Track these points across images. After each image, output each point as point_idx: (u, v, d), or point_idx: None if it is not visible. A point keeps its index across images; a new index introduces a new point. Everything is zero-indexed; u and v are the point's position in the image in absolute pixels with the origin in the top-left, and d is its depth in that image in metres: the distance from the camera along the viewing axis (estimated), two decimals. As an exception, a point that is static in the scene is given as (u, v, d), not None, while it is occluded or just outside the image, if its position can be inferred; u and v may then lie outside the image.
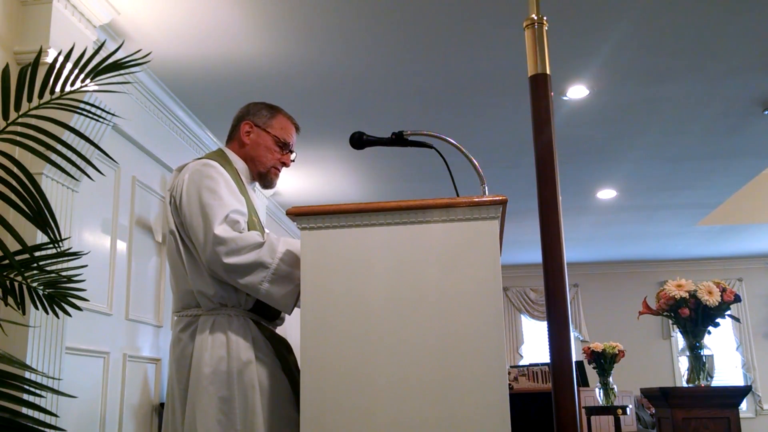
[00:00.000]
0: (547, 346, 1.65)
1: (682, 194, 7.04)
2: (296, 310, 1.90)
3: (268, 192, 6.25)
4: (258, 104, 2.29)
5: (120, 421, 3.73)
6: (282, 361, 2.01)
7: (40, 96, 1.91)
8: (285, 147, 2.24)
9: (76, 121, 2.80)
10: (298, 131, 2.31)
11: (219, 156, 2.18)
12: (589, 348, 5.34)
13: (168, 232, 2.06)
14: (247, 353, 1.94)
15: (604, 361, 5.24)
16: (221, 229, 1.88)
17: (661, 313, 3.22)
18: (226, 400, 1.89)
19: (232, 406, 1.88)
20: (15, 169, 1.76)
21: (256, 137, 2.21)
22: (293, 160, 2.31)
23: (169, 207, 2.06)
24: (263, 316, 2.06)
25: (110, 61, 1.99)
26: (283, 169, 2.31)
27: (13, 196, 1.76)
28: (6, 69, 1.92)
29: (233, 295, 1.97)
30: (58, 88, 1.94)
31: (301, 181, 6.22)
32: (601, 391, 5.21)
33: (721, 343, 10.06)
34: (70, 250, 2.21)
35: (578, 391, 5.61)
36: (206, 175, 2.00)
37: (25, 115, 1.86)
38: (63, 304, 2.18)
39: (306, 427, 1.62)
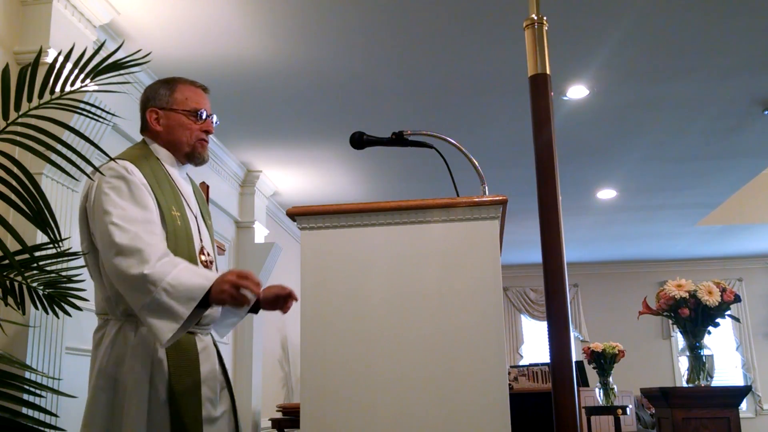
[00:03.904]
0: (547, 346, 1.65)
1: (682, 194, 7.04)
2: (296, 310, 1.88)
3: (268, 192, 6.25)
4: (153, 86, 2.12)
5: (120, 421, 3.72)
6: (172, 384, 1.89)
7: (40, 96, 1.91)
8: (199, 116, 2.09)
9: (76, 121, 2.80)
10: (207, 92, 2.17)
11: (141, 149, 2.08)
12: (589, 348, 5.34)
13: (85, 239, 1.99)
14: (141, 371, 1.87)
15: (604, 361, 5.24)
16: (118, 236, 1.80)
17: (661, 313, 3.22)
18: (106, 412, 1.86)
19: (118, 421, 1.85)
20: (15, 169, 1.76)
21: (166, 120, 2.07)
22: (216, 123, 2.17)
23: (81, 213, 1.97)
24: None
25: (110, 61, 1.99)
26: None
27: (13, 196, 1.76)
28: (6, 69, 1.92)
29: None
30: (58, 88, 1.94)
31: (300, 181, 6.22)
32: (601, 391, 5.21)
33: (721, 343, 10.06)
34: (70, 250, 2.21)
35: (578, 391, 5.61)
36: (107, 181, 1.90)
37: (25, 115, 1.86)
38: (63, 303, 2.18)
39: (306, 426, 1.62)
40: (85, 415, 1.90)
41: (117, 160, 1.95)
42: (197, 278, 1.78)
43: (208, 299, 1.78)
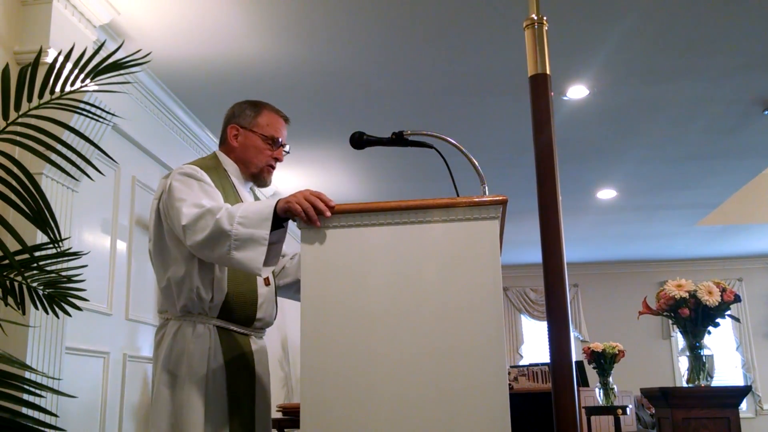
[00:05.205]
0: (547, 346, 1.65)
1: (682, 194, 7.04)
2: (297, 312, 1.90)
3: (268, 192, 6.25)
4: (242, 104, 2.26)
5: (120, 421, 3.73)
6: (230, 379, 2.01)
7: (40, 96, 1.91)
8: (275, 143, 2.21)
9: (76, 121, 2.80)
10: (287, 122, 2.28)
11: (211, 160, 2.20)
12: (589, 348, 5.34)
13: (153, 237, 2.09)
14: (199, 368, 1.96)
15: (604, 361, 5.24)
16: (186, 218, 1.88)
17: (661, 313, 3.22)
18: (169, 407, 1.96)
19: (180, 415, 1.94)
20: (15, 169, 1.76)
21: (244, 139, 2.20)
22: (287, 152, 2.28)
23: (154, 213, 2.09)
24: (234, 321, 2.06)
25: (110, 61, 1.99)
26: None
27: (13, 196, 1.76)
28: (6, 69, 1.92)
29: (196, 304, 2.00)
30: (58, 88, 1.94)
31: (301, 181, 6.22)
32: (601, 391, 5.21)
33: (721, 343, 10.06)
34: (70, 250, 2.21)
35: (578, 391, 5.61)
36: (178, 179, 2.01)
37: (25, 115, 1.86)
38: (63, 304, 2.18)
39: (306, 426, 1.62)
40: (150, 411, 2.01)
41: (184, 165, 2.08)
42: (262, 204, 1.85)
43: (281, 218, 1.82)
